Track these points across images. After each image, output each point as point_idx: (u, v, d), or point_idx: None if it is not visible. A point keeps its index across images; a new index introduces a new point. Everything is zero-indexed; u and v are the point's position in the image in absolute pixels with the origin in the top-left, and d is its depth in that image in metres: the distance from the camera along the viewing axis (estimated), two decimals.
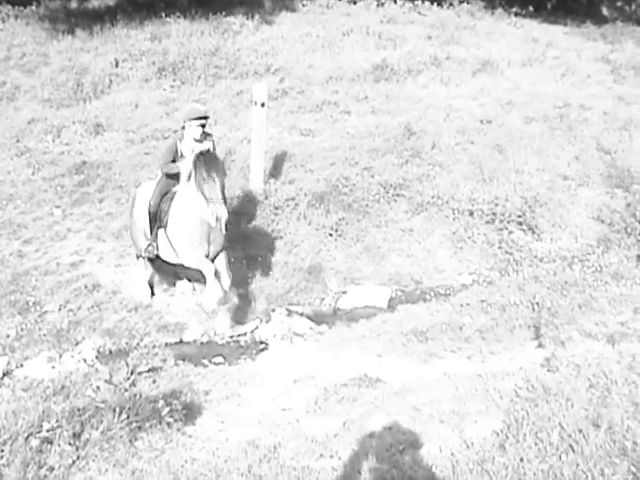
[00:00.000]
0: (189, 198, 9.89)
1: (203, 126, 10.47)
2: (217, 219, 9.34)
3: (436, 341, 9.92)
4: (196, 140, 10.43)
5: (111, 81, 18.34)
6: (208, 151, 9.96)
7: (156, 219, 10.50)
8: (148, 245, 10.65)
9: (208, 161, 9.65)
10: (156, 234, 10.51)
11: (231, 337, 10.74)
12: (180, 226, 10.13)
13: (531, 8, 26.21)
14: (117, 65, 19.01)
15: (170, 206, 10.31)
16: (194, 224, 9.93)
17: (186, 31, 20.43)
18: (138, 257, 11.26)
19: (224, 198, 9.48)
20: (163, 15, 21.43)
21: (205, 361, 10.01)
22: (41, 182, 14.24)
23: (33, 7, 22.59)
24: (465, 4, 25.78)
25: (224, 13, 21.73)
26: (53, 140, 15.77)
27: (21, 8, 22.37)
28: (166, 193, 10.49)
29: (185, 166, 10.06)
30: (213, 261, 10.19)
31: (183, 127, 10.48)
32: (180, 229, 10.13)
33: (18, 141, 15.76)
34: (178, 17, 21.34)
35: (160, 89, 18.04)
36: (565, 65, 20.08)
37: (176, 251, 10.29)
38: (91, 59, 19.25)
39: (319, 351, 10.03)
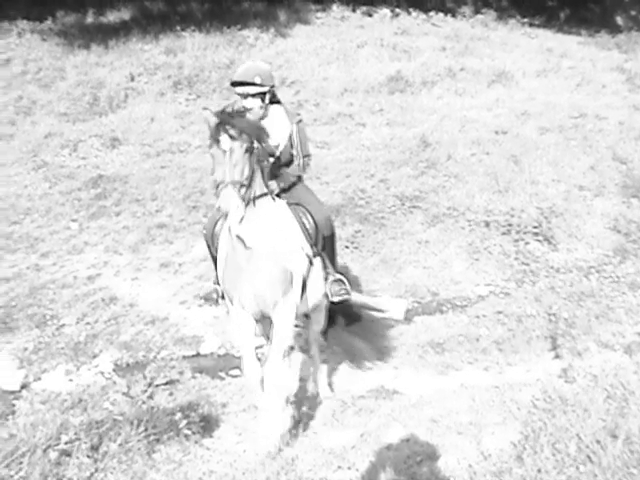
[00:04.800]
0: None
1: (253, 96, 7.87)
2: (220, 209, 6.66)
3: (453, 353, 9.91)
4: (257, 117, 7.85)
5: (127, 95, 18.40)
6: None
7: (210, 248, 8.12)
8: (211, 291, 8.10)
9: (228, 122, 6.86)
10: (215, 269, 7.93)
11: None
12: (220, 252, 7.66)
13: (545, 18, 26.19)
14: (133, 79, 19.08)
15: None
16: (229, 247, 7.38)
17: (201, 45, 20.47)
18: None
19: (250, 179, 6.88)
20: (178, 29, 21.50)
21: (222, 374, 10.00)
22: (58, 196, 14.31)
23: (49, 22, 22.69)
24: (479, 15, 25.79)
25: (239, 26, 21.77)
26: (70, 154, 15.85)
27: (37, 23, 22.48)
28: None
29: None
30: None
31: None
32: (219, 256, 7.69)
33: (35, 155, 15.85)
34: (193, 31, 21.38)
35: (176, 103, 18.09)
36: (580, 75, 20.05)
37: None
38: (107, 73, 19.33)
39: (336, 362, 10.03)
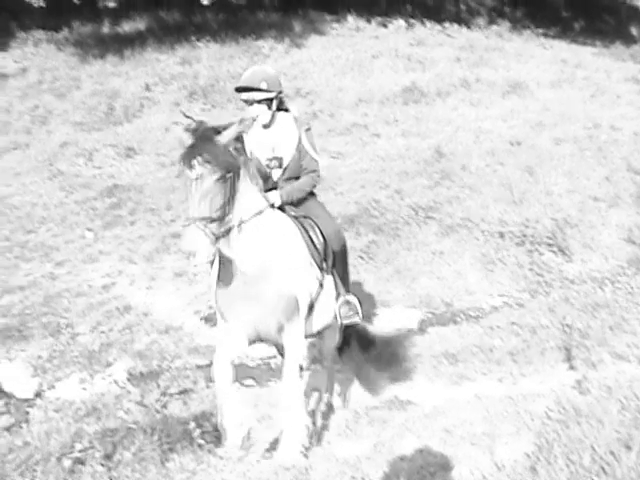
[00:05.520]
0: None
1: (259, 102, 7.45)
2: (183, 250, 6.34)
3: (467, 363, 9.89)
4: (262, 125, 7.57)
5: (142, 105, 18.48)
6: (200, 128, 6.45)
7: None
8: (212, 312, 7.58)
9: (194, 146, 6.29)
10: None
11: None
12: (213, 270, 7.26)
13: (559, 29, 26.20)
14: (148, 89, 19.16)
15: None
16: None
17: (216, 55, 20.57)
18: None
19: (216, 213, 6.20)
20: (193, 39, 21.60)
21: (236, 383, 10.01)
22: (73, 205, 14.38)
23: (65, 32, 22.82)
24: (494, 26, 25.82)
25: (254, 37, 21.88)
26: (85, 163, 15.94)
27: (53, 33, 22.61)
28: None
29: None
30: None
31: None
32: (212, 274, 7.28)
33: (51, 164, 15.93)
34: (208, 41, 21.50)
35: (191, 112, 18.11)
36: (595, 86, 20.04)
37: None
38: (122, 83, 19.43)
39: (349, 372, 10.03)
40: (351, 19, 24.64)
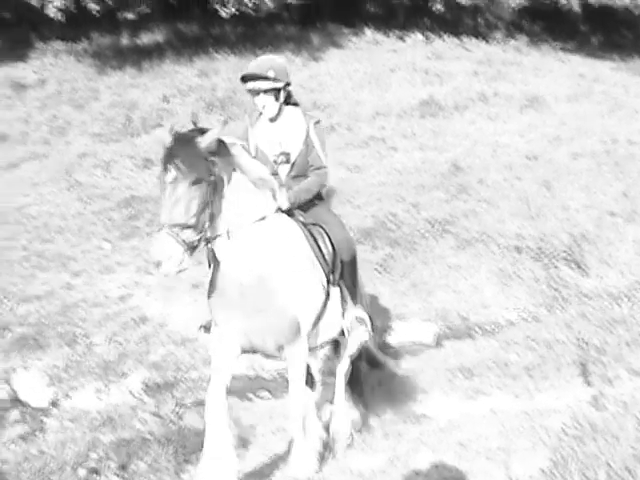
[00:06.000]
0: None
1: (265, 92, 7.18)
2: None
3: (482, 378, 9.87)
4: (269, 119, 7.31)
5: (160, 116, 18.52)
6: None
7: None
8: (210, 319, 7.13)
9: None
10: None
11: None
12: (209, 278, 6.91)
13: (577, 43, 26.18)
14: (166, 101, 19.22)
15: None
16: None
17: (234, 67, 20.58)
18: None
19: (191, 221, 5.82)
20: (212, 51, 21.68)
21: (251, 395, 10.02)
22: (90, 216, 14.42)
23: (84, 43, 22.94)
24: (512, 40, 25.82)
25: (272, 49, 21.87)
26: (103, 175, 15.97)
27: (72, 44, 22.73)
28: None
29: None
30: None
31: None
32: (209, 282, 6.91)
33: (69, 175, 15.97)
34: (226, 53, 21.57)
35: (208, 124, 18.16)
36: (612, 100, 20.00)
37: None
38: (140, 94, 19.50)
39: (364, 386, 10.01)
40: (369, 32, 24.68)
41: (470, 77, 21.16)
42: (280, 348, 6.64)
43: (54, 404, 9.51)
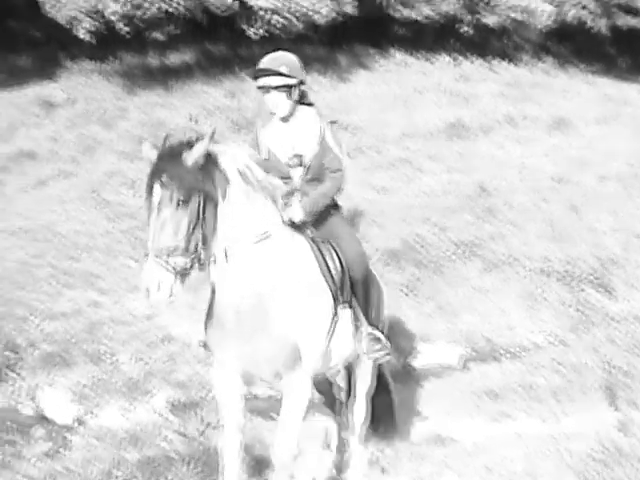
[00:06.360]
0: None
1: (277, 88, 6.96)
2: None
3: (508, 401, 9.84)
4: (281, 118, 7.06)
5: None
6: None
7: None
8: None
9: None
10: None
11: None
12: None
13: (605, 65, 26.11)
14: (194, 120, 19.28)
15: None
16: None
17: None
18: None
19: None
20: (239, 72, 21.74)
21: (275, 415, 10.00)
22: (118, 234, 14.45)
23: (113, 63, 23.08)
24: (539, 62, 25.77)
25: None
26: (132, 194, 16.02)
27: (101, 63, 22.87)
28: None
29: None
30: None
31: None
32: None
33: (97, 193, 16.03)
34: None
35: (235, 144, 18.21)
36: None
37: None
38: (168, 114, 19.57)
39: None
40: (398, 54, 24.67)
41: (497, 99, 21.11)
42: (277, 375, 6.26)
43: (79, 422, 9.54)
